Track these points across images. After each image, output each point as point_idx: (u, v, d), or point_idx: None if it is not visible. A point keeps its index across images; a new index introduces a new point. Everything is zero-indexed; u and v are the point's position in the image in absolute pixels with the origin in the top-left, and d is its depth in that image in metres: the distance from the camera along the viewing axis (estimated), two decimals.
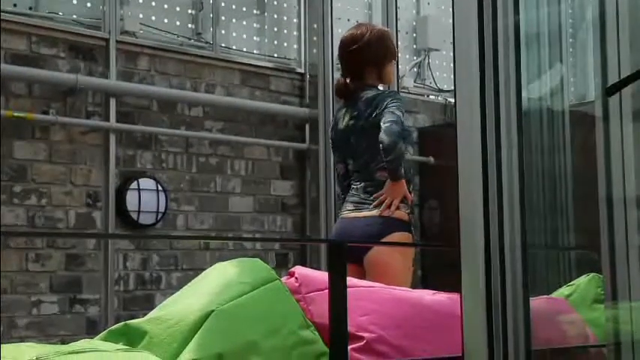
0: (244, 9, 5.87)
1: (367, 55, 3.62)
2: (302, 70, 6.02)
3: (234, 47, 5.74)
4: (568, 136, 2.49)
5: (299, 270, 2.32)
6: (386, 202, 3.43)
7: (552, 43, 2.42)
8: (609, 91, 1.89)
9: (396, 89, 4.81)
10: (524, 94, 2.02)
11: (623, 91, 1.87)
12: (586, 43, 2.61)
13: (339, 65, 3.96)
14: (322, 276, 2.20)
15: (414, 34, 6.80)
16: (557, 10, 2.44)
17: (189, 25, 5.55)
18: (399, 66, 5.76)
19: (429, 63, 6.81)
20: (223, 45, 5.66)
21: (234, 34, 5.78)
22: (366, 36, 3.64)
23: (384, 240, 3.44)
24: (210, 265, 2.32)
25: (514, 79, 1.95)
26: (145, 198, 5.06)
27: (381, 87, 3.77)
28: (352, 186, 3.59)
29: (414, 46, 6.80)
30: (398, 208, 3.43)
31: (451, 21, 1.95)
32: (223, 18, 5.70)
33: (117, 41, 5.05)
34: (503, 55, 1.94)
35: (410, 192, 3.50)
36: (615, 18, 1.95)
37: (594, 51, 2.05)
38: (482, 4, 1.93)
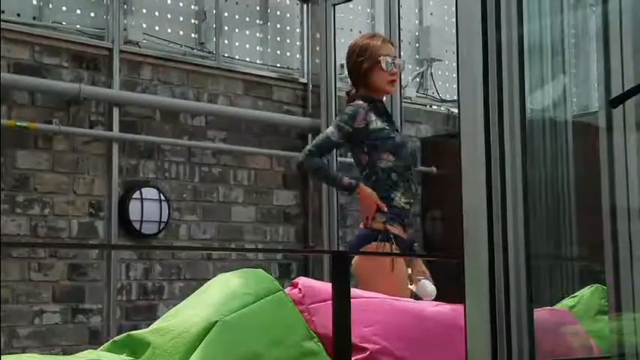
0: (247, 19, 5.88)
1: (352, 66, 3.71)
2: (305, 80, 6.03)
3: (237, 57, 5.75)
4: (571, 146, 2.49)
5: (302, 281, 2.31)
6: (364, 215, 3.50)
7: (556, 54, 2.43)
8: (613, 102, 1.89)
9: (398, 99, 4.80)
10: (527, 104, 2.02)
11: (627, 102, 1.87)
12: (590, 54, 2.62)
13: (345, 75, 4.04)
14: (326, 287, 2.20)
15: (417, 45, 6.81)
16: (560, 21, 2.44)
17: (193, 35, 5.56)
18: (402, 76, 5.76)
19: (431, 73, 6.81)
20: (226, 55, 5.67)
21: (237, 44, 5.79)
22: (352, 47, 3.74)
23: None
24: (213, 275, 2.32)
25: (518, 89, 1.95)
26: (148, 207, 5.06)
27: (383, 97, 3.82)
28: None
29: (417, 57, 6.81)
30: (374, 218, 3.47)
31: (454, 31, 1.95)
32: (226, 28, 5.71)
33: (120, 51, 5.06)
34: (507, 66, 1.94)
35: (393, 198, 3.52)
36: (619, 29, 1.95)
37: (598, 62, 2.05)
38: (485, 15, 1.93)
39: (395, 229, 3.52)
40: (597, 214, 1.97)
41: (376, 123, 3.60)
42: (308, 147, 3.62)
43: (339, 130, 3.58)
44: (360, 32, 6.43)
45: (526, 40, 1.99)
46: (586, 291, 2.64)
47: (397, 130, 3.75)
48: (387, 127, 3.63)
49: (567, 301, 2.64)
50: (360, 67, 3.68)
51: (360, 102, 3.66)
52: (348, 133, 3.57)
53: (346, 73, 5.98)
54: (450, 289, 2.12)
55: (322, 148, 3.58)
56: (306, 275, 4.93)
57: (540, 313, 2.06)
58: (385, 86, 3.70)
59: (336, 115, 5.79)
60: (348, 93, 3.83)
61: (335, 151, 3.64)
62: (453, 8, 2.01)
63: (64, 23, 4.95)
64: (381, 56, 3.65)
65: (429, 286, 3.50)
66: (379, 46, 3.69)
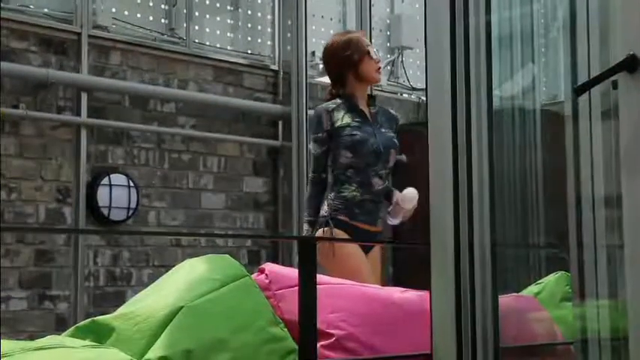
0: (218, 5, 5.84)
1: (338, 61, 3.75)
2: (276, 67, 6.01)
3: (207, 43, 5.72)
4: (539, 135, 2.51)
5: (269, 267, 2.32)
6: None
7: (524, 43, 2.44)
8: (578, 90, 1.90)
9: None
10: (495, 93, 2.03)
11: (592, 91, 1.88)
12: (558, 43, 2.64)
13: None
14: (292, 273, 2.20)
15: (388, 32, 6.81)
16: (528, 10, 2.45)
17: (163, 21, 5.52)
18: None
19: (402, 61, 6.82)
20: (197, 41, 5.63)
21: (207, 30, 5.75)
22: (332, 45, 3.78)
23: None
24: (182, 262, 2.31)
25: (485, 78, 1.96)
26: (116, 194, 5.03)
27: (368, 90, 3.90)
28: None
29: (388, 44, 6.81)
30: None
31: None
32: (197, 14, 5.68)
33: (89, 35, 5.01)
34: (475, 55, 1.95)
35: (342, 191, 3.61)
36: (585, 19, 1.96)
37: (565, 51, 2.06)
38: (453, 4, 1.94)
39: (341, 216, 3.59)
40: (563, 202, 1.99)
41: (342, 120, 3.66)
42: (309, 174, 3.76)
43: (316, 142, 3.67)
44: (331, 19, 6.43)
45: (494, 29, 2.00)
46: (551, 278, 2.66)
47: (371, 125, 3.72)
48: (353, 124, 3.65)
49: (532, 288, 2.66)
50: (349, 60, 3.70)
51: (324, 104, 3.73)
52: (324, 138, 3.64)
53: (317, 60, 6.05)
54: (418, 276, 2.13)
55: (317, 168, 3.67)
56: (275, 262, 4.92)
57: (505, 300, 2.08)
58: (374, 75, 3.76)
59: (306, 102, 5.81)
60: (330, 92, 3.84)
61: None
62: None
63: (31, 7, 4.88)
64: (368, 46, 3.72)
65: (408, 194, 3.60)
66: (361, 39, 3.75)
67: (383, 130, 3.73)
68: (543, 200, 2.41)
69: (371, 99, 3.80)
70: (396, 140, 3.79)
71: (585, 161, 1.93)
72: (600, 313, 1.89)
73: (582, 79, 1.94)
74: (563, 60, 2.11)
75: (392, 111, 3.97)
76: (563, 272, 2.60)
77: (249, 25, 6.00)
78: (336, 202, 3.60)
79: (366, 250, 3.64)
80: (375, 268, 3.65)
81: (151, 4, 5.44)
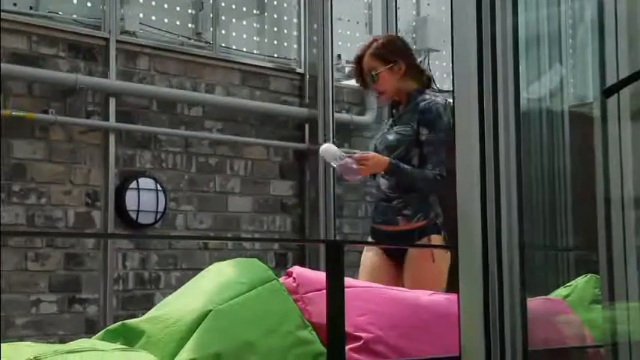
0: (244, 9, 5.87)
1: None
2: (302, 70, 6.02)
3: (234, 47, 5.74)
4: (567, 136, 2.49)
5: (297, 270, 2.32)
6: None
7: (551, 45, 2.43)
8: (607, 92, 1.89)
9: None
10: (523, 95, 2.02)
11: (621, 92, 1.87)
12: (586, 44, 2.62)
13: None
14: (320, 276, 2.21)
15: (414, 35, 6.80)
16: (555, 12, 2.44)
17: (190, 25, 5.55)
18: None
19: (428, 63, 6.80)
20: (223, 45, 5.66)
21: (234, 34, 5.78)
22: None
23: None
24: (210, 265, 2.32)
25: (512, 80, 1.95)
26: (145, 198, 5.06)
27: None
28: None
29: (414, 47, 6.79)
30: None
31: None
32: (223, 18, 5.70)
33: (117, 41, 5.05)
34: (502, 57, 1.94)
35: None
36: (614, 20, 1.95)
37: (593, 52, 2.05)
38: (480, 6, 1.93)
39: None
40: (592, 204, 1.98)
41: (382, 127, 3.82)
42: None
43: None
44: (357, 23, 6.43)
45: (521, 30, 1.99)
46: (580, 280, 2.64)
47: (390, 128, 3.72)
48: (383, 129, 3.76)
49: (561, 291, 2.64)
50: None
51: None
52: None
53: (343, 63, 6.07)
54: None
55: None
56: (302, 265, 4.93)
57: (534, 302, 2.07)
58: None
59: (332, 105, 5.81)
60: None
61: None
62: None
63: (60, 13, 4.94)
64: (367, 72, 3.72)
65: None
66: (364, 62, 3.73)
67: (394, 129, 3.62)
68: (572, 202, 2.40)
69: (409, 97, 3.67)
70: (392, 137, 3.58)
71: (614, 163, 1.92)
72: (630, 315, 1.87)
73: (610, 80, 1.92)
74: (592, 61, 2.10)
75: (422, 103, 3.61)
76: (593, 275, 2.58)
77: (275, 29, 6.01)
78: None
79: (399, 255, 3.54)
80: (416, 274, 3.46)
81: (177, 9, 5.48)
